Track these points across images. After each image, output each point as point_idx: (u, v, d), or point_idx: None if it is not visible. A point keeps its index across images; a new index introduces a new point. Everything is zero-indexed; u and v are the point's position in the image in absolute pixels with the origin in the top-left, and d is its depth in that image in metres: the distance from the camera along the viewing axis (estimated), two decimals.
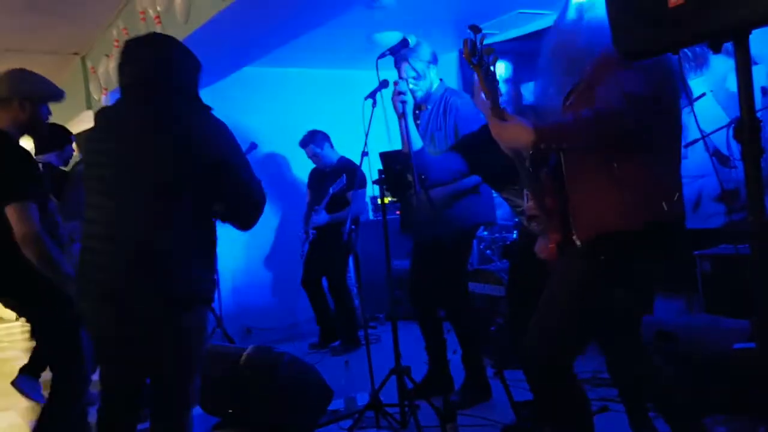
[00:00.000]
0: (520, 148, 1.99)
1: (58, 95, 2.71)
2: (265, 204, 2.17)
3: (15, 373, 3.83)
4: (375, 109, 3.13)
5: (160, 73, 2.04)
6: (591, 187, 1.95)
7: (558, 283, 2.02)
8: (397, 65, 3.28)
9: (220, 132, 2.03)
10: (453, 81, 5.87)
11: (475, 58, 1.92)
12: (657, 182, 1.92)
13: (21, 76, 2.63)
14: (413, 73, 3.39)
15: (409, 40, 3.01)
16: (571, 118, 1.86)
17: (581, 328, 2.03)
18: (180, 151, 1.93)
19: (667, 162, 1.97)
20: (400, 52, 3.20)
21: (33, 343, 3.78)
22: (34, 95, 2.60)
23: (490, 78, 1.94)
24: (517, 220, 4.72)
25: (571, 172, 2.02)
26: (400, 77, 3.46)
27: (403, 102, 2.91)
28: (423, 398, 3.21)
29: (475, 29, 1.95)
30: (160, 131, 1.96)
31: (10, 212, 2.37)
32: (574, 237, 1.98)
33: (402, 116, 2.95)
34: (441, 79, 3.53)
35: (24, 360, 3.93)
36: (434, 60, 3.47)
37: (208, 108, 2.11)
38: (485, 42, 1.93)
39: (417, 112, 3.53)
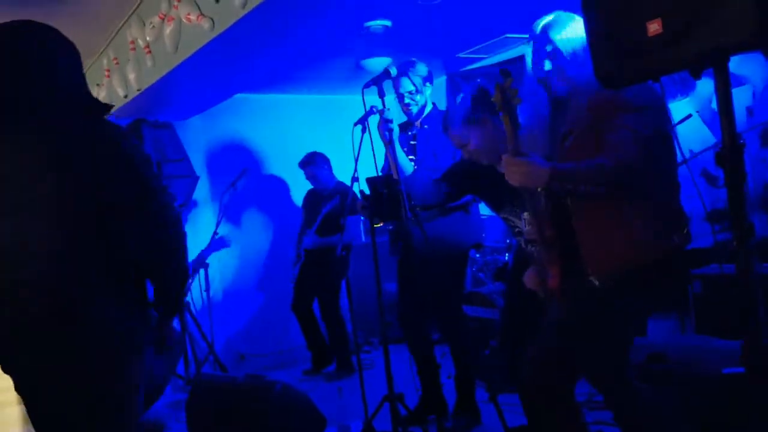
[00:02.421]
0: (531, 186, 1.99)
1: None
2: (179, 251, 1.79)
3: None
4: (364, 134, 3.15)
5: (22, 92, 1.75)
6: (603, 223, 1.96)
7: (570, 315, 2.03)
8: (382, 94, 3.27)
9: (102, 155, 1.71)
10: (442, 105, 5.91)
11: (504, 103, 1.94)
12: (667, 213, 1.96)
13: None
14: (411, 87, 3.43)
15: (391, 72, 3.04)
16: (587, 165, 1.87)
17: (590, 357, 2.05)
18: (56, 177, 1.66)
19: (672, 190, 2.00)
20: (395, 72, 3.20)
21: None
22: None
23: (515, 120, 1.95)
24: (509, 241, 4.74)
25: (578, 206, 2.01)
26: (397, 100, 3.53)
27: (390, 130, 2.94)
28: (417, 424, 3.19)
29: (506, 74, 1.97)
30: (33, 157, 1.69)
31: None
32: (591, 277, 1.97)
33: (389, 143, 2.96)
34: (434, 103, 3.59)
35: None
36: (430, 78, 3.52)
37: (96, 111, 1.79)
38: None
39: (410, 132, 3.57)
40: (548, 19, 2.09)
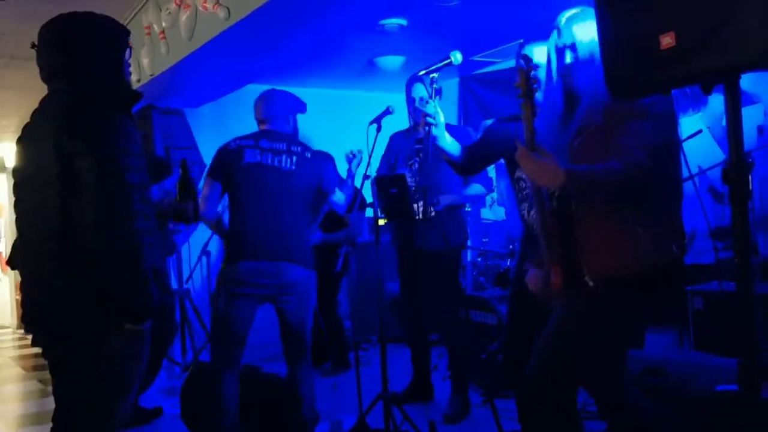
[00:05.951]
0: (545, 186, 1.97)
1: None
2: (106, 234, 1.76)
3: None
4: (379, 134, 3.13)
5: (57, 76, 1.90)
6: (605, 226, 1.93)
7: (568, 322, 2.02)
8: (433, 81, 2.78)
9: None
10: (454, 107, 5.92)
11: (528, 89, 1.90)
12: (668, 223, 1.94)
13: None
14: (424, 94, 3.23)
15: (452, 59, 2.68)
16: (601, 168, 1.85)
17: (589, 365, 2.04)
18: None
19: (676, 200, 1.99)
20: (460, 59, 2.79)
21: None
22: None
23: (534, 108, 1.92)
24: (512, 247, 4.73)
25: (581, 210, 1.98)
26: (407, 102, 3.56)
27: (429, 125, 2.52)
28: (407, 403, 3.24)
29: (527, 59, 1.93)
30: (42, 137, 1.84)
31: None
32: (586, 278, 1.95)
33: (427, 137, 2.61)
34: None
35: (14, 368, 3.90)
36: (440, 92, 3.55)
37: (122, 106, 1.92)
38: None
39: (415, 137, 3.60)
40: (573, 11, 2.04)
